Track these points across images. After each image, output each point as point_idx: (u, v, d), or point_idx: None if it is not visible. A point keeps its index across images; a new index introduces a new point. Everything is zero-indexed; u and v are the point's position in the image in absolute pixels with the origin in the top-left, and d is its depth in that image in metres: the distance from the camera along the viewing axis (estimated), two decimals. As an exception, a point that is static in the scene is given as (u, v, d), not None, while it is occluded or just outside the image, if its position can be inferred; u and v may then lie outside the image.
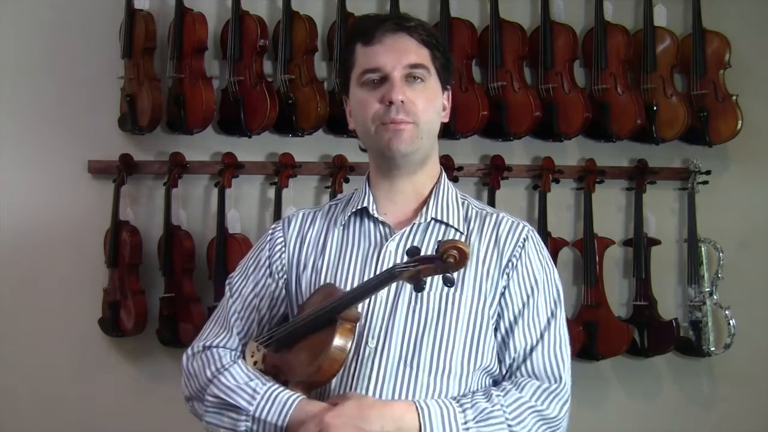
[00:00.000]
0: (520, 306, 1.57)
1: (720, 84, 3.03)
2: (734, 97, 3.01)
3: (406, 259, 1.39)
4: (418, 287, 1.36)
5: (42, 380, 2.93)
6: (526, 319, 1.56)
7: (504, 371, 1.57)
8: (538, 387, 1.53)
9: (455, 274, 1.36)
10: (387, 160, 1.59)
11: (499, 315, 1.56)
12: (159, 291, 2.89)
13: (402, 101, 1.53)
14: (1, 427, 2.91)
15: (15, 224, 2.94)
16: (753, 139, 3.09)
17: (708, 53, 3.03)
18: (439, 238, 1.58)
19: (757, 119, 3.09)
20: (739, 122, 3.00)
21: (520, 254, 1.58)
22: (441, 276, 1.35)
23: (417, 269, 1.35)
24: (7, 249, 2.94)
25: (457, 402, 1.47)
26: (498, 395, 1.49)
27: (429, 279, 1.39)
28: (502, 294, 1.57)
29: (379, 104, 1.54)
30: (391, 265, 1.51)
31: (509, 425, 1.46)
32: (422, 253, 1.38)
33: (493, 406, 1.47)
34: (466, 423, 1.44)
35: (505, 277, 1.57)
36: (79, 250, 2.95)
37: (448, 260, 1.31)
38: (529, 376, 1.54)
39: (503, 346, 1.56)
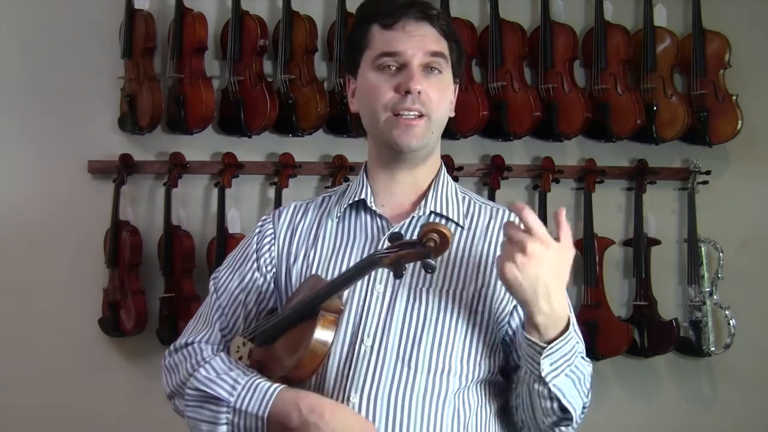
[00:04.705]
0: None
1: (720, 84, 3.02)
2: (734, 97, 3.01)
3: (387, 245, 1.34)
4: (397, 273, 1.32)
5: (42, 380, 2.93)
6: None
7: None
8: None
9: (438, 261, 1.29)
10: (391, 151, 1.54)
11: (514, 308, 1.49)
12: (159, 291, 2.89)
13: (419, 92, 1.48)
14: (2, 428, 2.91)
15: (15, 224, 2.94)
16: (753, 139, 3.09)
17: (708, 53, 3.03)
18: None
19: (757, 119, 3.08)
20: (739, 122, 3.00)
21: None
22: (421, 262, 1.29)
23: (398, 255, 1.30)
24: (6, 248, 2.94)
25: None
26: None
27: (411, 266, 1.33)
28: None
29: (394, 92, 1.49)
30: None
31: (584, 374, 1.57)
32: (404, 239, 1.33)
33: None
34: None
35: None
36: (79, 250, 2.95)
37: (428, 244, 1.26)
38: None
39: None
